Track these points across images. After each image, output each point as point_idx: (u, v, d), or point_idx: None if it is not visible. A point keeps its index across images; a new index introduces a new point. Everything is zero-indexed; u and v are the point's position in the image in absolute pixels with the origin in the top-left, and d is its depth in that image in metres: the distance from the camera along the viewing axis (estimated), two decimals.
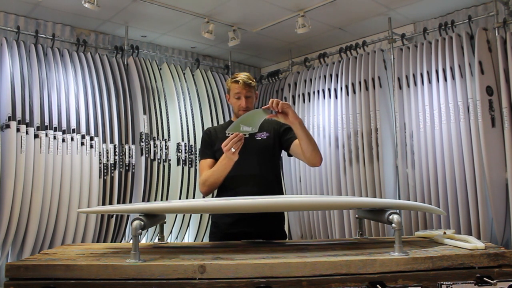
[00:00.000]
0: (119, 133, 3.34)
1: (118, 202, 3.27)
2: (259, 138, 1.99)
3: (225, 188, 1.95)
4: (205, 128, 2.75)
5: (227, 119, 3.83)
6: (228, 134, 1.80)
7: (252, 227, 1.82)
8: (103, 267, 1.13)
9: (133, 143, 3.41)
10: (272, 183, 1.99)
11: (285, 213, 3.79)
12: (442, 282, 1.13)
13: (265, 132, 2.01)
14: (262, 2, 3.26)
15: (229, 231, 1.89)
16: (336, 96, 3.68)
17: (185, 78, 3.86)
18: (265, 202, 1.44)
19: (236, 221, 1.89)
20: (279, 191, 2.03)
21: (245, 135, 1.81)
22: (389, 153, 3.40)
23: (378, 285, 1.10)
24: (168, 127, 3.60)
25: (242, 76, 2.00)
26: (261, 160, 1.97)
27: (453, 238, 1.40)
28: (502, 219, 2.80)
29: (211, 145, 2.02)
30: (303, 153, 1.87)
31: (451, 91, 3.02)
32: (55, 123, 3.05)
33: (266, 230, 1.82)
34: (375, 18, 3.56)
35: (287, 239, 2.14)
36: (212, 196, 2.19)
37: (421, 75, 3.20)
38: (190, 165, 3.64)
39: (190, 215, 3.61)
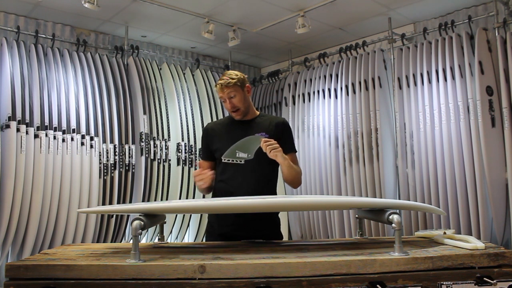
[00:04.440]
0: (119, 133, 3.34)
1: (118, 202, 3.27)
2: (242, 161, 1.92)
3: (222, 185, 1.94)
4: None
5: None
6: (224, 160, 1.85)
7: (247, 230, 1.80)
8: (103, 267, 1.13)
9: (133, 143, 3.41)
10: (264, 185, 1.93)
11: (286, 213, 3.79)
12: (442, 282, 1.13)
13: (264, 133, 1.96)
14: (262, 2, 3.26)
15: (224, 232, 1.87)
16: (336, 96, 3.68)
17: (185, 78, 3.86)
18: (265, 202, 1.44)
19: (232, 224, 1.87)
20: (271, 192, 1.99)
21: (240, 161, 1.84)
22: (389, 153, 3.40)
23: (378, 285, 1.10)
24: (168, 127, 3.60)
25: (224, 78, 1.93)
26: (255, 162, 1.89)
27: (453, 238, 1.40)
28: (502, 219, 2.80)
29: (208, 144, 2.01)
30: (284, 178, 1.93)
31: (451, 91, 3.02)
32: (55, 123, 3.05)
33: (262, 233, 1.79)
34: (375, 18, 3.56)
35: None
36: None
37: (421, 75, 3.20)
38: (190, 165, 3.64)
39: (190, 215, 3.61)
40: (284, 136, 1.93)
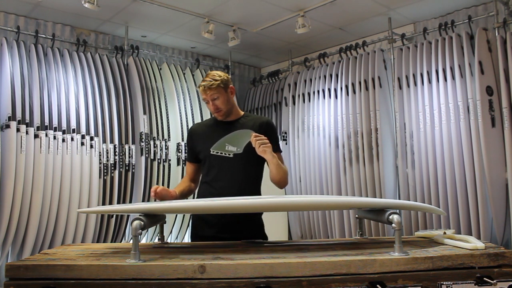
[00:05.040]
0: (119, 133, 3.34)
1: (118, 202, 3.27)
2: (231, 155, 1.89)
3: (206, 186, 1.94)
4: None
5: None
6: (213, 152, 1.82)
7: (230, 232, 1.79)
8: (103, 267, 1.13)
9: (133, 143, 3.41)
10: (248, 187, 1.91)
11: (286, 213, 3.79)
12: (442, 282, 1.13)
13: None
14: (262, 2, 3.26)
15: (207, 234, 1.86)
16: (336, 96, 3.68)
17: (185, 78, 3.86)
18: (266, 202, 1.44)
19: (215, 225, 1.86)
20: (256, 194, 1.96)
21: (228, 155, 1.82)
22: (389, 153, 3.40)
23: (378, 285, 1.10)
24: (168, 127, 3.60)
25: (206, 79, 1.90)
26: (239, 163, 1.88)
27: (453, 238, 1.40)
28: (502, 219, 2.80)
29: (192, 146, 2.00)
30: (271, 178, 1.89)
31: (451, 91, 3.02)
32: (55, 123, 3.05)
33: (245, 234, 1.76)
34: (375, 18, 3.56)
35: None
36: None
37: (421, 75, 3.20)
38: None
39: (190, 215, 3.60)
40: (268, 135, 1.87)
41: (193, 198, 2.06)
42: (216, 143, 1.78)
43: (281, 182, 1.90)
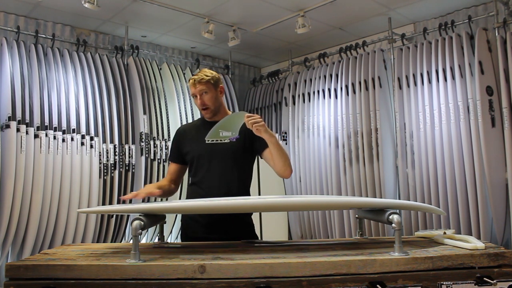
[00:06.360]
0: (119, 133, 3.34)
1: (118, 202, 3.27)
2: (227, 140, 1.89)
3: (194, 187, 1.93)
4: None
5: None
6: (208, 140, 1.78)
7: (220, 232, 1.78)
8: (103, 267, 1.13)
9: (133, 143, 3.41)
10: (236, 187, 1.88)
11: (286, 213, 3.78)
12: (442, 282, 1.13)
13: (237, 136, 1.87)
14: (262, 2, 3.26)
15: (197, 235, 1.85)
16: (336, 96, 3.68)
17: (185, 78, 3.86)
18: (266, 202, 1.44)
19: (204, 225, 1.85)
20: (244, 195, 1.93)
21: (224, 141, 1.79)
22: (389, 153, 3.40)
23: (378, 285, 1.10)
24: (168, 127, 3.61)
25: (197, 74, 1.90)
26: (226, 164, 1.87)
27: (453, 238, 1.40)
28: (502, 219, 2.80)
29: (178, 147, 1.98)
30: (274, 165, 1.84)
31: (451, 91, 3.02)
32: (55, 123, 3.05)
33: (234, 235, 1.75)
34: (375, 18, 3.56)
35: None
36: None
37: (421, 75, 3.20)
38: None
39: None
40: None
41: (180, 199, 2.05)
42: (209, 132, 1.74)
43: (286, 166, 1.81)
